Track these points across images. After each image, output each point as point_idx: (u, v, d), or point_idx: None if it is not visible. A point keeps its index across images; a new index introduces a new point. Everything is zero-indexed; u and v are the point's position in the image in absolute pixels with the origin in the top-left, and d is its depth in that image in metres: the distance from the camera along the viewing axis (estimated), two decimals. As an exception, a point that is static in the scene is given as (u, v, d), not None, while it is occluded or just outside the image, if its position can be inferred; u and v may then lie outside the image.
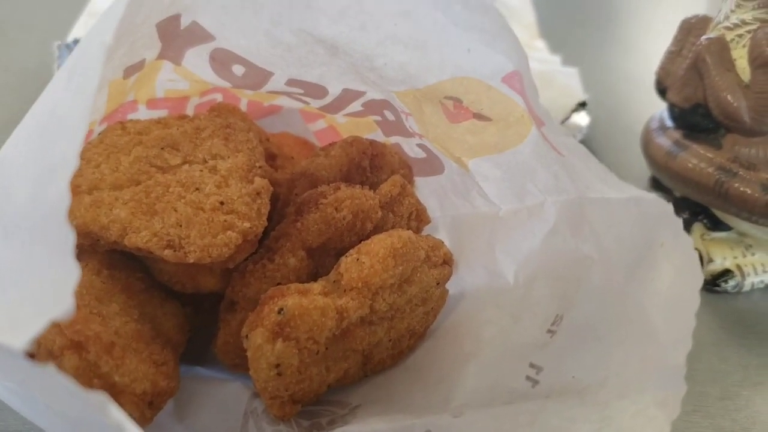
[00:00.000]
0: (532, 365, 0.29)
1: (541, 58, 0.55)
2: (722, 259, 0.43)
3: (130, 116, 0.38)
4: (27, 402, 0.23)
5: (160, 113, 0.39)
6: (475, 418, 0.28)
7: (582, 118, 0.49)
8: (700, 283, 0.24)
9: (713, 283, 0.42)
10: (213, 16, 0.31)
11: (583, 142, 0.51)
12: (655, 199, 0.26)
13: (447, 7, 0.25)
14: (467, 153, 0.32)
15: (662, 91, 0.43)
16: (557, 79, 0.49)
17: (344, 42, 0.29)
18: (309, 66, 0.31)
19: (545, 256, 0.31)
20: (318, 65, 0.31)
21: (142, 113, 0.39)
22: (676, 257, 0.25)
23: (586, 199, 0.29)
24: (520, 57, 0.28)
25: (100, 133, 0.35)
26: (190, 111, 0.40)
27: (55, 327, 0.28)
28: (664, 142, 0.42)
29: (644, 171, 0.47)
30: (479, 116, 0.30)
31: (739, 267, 0.42)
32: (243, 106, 0.40)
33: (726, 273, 0.42)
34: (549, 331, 0.29)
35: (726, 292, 0.43)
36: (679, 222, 0.25)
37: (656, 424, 0.23)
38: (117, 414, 0.17)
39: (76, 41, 0.48)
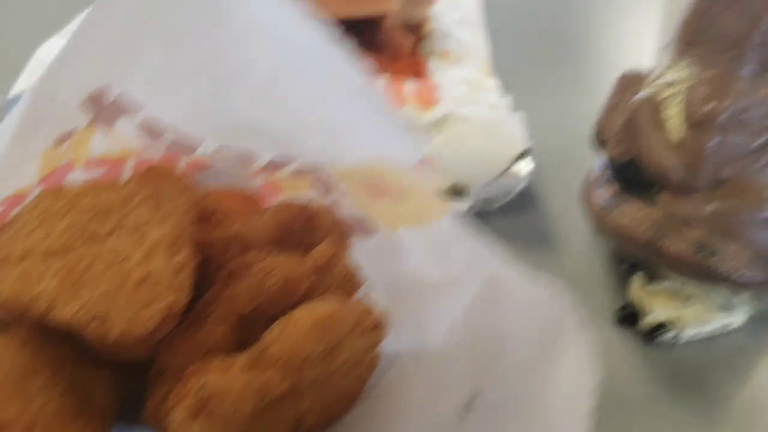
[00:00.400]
0: None
1: (489, 101, 0.55)
2: (660, 311, 0.43)
3: (68, 177, 0.38)
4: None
5: (97, 173, 0.39)
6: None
7: (524, 167, 0.49)
8: (593, 384, 0.24)
9: (651, 335, 0.43)
10: (139, 89, 0.31)
11: (526, 190, 0.51)
12: (559, 294, 0.26)
13: (358, 97, 0.26)
14: (394, 223, 0.33)
15: (602, 143, 0.43)
16: (500, 128, 0.50)
17: (263, 124, 0.29)
18: (234, 140, 0.32)
19: (467, 329, 0.32)
20: (242, 140, 0.31)
21: (79, 174, 0.39)
22: (575, 355, 0.25)
23: (500, 280, 0.29)
24: (427, 146, 0.29)
25: (34, 198, 0.35)
26: (128, 171, 0.40)
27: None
28: (602, 194, 0.42)
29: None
30: (399, 194, 0.30)
31: (676, 319, 0.43)
32: (182, 162, 0.41)
33: (663, 325, 0.43)
34: (465, 407, 0.29)
35: (663, 344, 0.43)
36: (580, 320, 0.25)
37: None
38: None
39: (18, 97, 0.48)
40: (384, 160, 0.28)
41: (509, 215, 0.52)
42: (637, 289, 0.44)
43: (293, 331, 0.31)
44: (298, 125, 0.28)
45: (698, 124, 0.36)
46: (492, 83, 0.61)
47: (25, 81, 0.53)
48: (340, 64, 0.26)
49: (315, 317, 0.32)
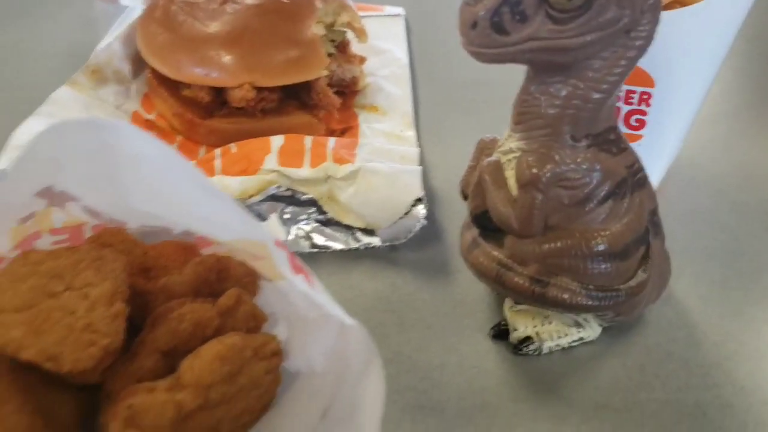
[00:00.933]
0: None
1: (400, 153, 0.65)
2: (524, 328, 0.53)
3: (37, 242, 0.49)
4: None
5: (62, 236, 0.50)
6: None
7: (419, 211, 0.60)
8: (379, 413, 0.34)
9: (518, 348, 0.53)
10: (72, 190, 0.42)
11: (434, 225, 0.61)
12: (366, 333, 0.36)
13: (215, 198, 0.36)
14: (275, 278, 0.43)
15: (465, 196, 0.53)
16: (400, 179, 0.60)
17: (161, 216, 0.39)
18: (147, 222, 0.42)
19: (333, 356, 0.42)
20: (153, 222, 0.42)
21: (47, 239, 0.49)
22: (375, 376, 0.35)
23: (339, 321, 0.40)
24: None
25: (9, 263, 0.46)
26: (88, 233, 0.50)
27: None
28: (468, 236, 0.52)
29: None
30: (266, 258, 0.40)
31: (537, 334, 0.53)
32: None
33: (527, 339, 0.53)
34: (322, 416, 0.40)
35: (528, 354, 0.53)
36: (375, 351, 0.35)
37: None
38: None
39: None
40: (248, 239, 0.38)
41: (417, 248, 0.63)
42: (507, 309, 0.54)
43: (201, 360, 0.42)
44: (185, 217, 0.38)
45: (525, 185, 0.46)
46: (410, 134, 0.71)
47: (5, 161, 0.64)
48: (196, 176, 0.36)
49: (218, 349, 0.42)
